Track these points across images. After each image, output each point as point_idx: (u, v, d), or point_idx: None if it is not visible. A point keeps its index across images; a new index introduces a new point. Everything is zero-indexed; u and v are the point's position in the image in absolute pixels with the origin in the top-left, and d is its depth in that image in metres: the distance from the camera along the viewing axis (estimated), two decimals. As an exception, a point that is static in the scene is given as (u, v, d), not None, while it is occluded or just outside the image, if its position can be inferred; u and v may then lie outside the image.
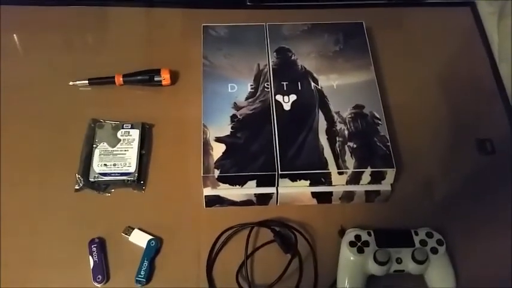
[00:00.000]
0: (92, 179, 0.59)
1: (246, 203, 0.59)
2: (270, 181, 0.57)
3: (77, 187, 0.59)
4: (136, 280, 0.53)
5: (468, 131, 0.65)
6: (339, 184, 0.58)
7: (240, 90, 0.62)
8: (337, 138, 0.58)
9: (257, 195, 0.58)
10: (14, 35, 0.72)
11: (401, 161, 0.61)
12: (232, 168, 0.56)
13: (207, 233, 0.56)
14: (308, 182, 0.57)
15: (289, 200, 0.59)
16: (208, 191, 0.58)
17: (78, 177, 0.59)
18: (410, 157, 0.62)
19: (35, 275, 0.54)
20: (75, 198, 0.58)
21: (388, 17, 0.75)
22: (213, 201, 0.58)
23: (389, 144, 0.58)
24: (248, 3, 0.77)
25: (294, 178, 0.57)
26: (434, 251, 0.53)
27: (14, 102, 0.65)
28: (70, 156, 0.60)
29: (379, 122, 0.60)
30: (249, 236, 0.56)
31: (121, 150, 0.60)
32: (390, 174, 0.57)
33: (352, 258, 0.53)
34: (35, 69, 0.68)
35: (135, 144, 0.61)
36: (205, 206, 0.59)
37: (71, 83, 0.67)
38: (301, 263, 0.55)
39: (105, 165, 0.59)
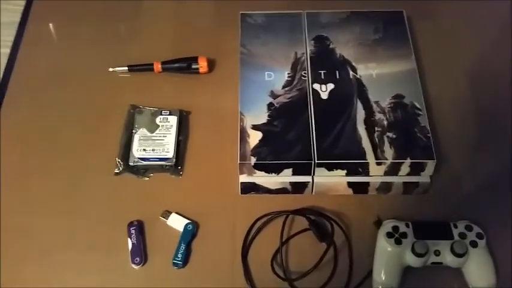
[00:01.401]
0: (131, 163, 0.60)
1: (281, 191, 0.59)
2: (306, 170, 0.57)
3: (116, 171, 0.60)
4: (173, 263, 0.54)
5: (509, 123, 0.63)
6: (376, 175, 0.57)
7: (277, 78, 0.62)
8: (376, 128, 0.58)
9: (292, 184, 0.58)
10: (53, 25, 0.73)
11: (441, 153, 0.60)
12: (269, 156, 0.56)
13: (242, 219, 0.57)
14: (345, 171, 0.57)
15: (325, 189, 0.59)
16: (244, 178, 0.58)
17: (118, 161, 0.60)
18: (449, 148, 0.61)
19: (74, 256, 0.55)
20: (115, 181, 0.60)
21: (428, 7, 0.73)
22: (249, 188, 0.59)
23: (429, 135, 0.57)
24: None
25: (330, 167, 0.57)
26: (473, 244, 0.52)
27: (55, 89, 0.67)
28: (110, 141, 0.62)
29: (420, 113, 0.59)
30: (284, 223, 0.56)
31: (159, 136, 0.61)
32: (430, 166, 0.56)
33: (389, 249, 0.52)
34: (74, 57, 0.70)
35: (173, 131, 0.62)
36: (241, 193, 0.59)
37: (110, 69, 0.68)
38: (336, 252, 0.55)
39: (144, 150, 0.60)
